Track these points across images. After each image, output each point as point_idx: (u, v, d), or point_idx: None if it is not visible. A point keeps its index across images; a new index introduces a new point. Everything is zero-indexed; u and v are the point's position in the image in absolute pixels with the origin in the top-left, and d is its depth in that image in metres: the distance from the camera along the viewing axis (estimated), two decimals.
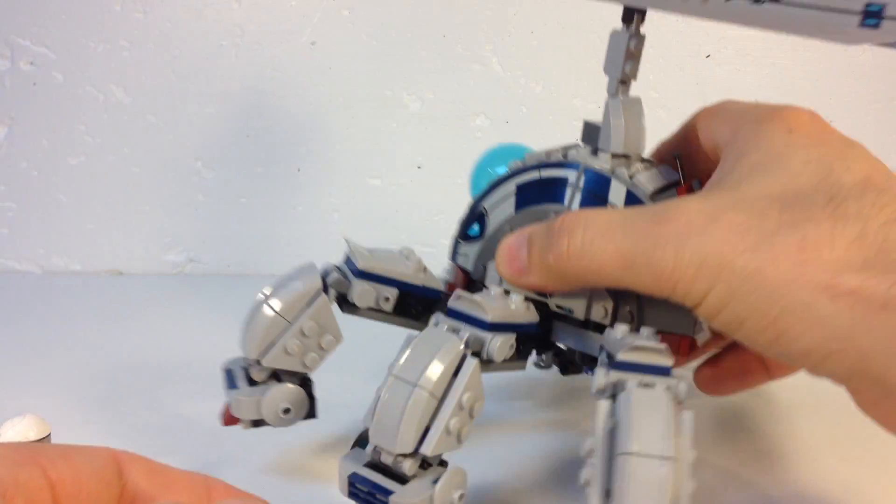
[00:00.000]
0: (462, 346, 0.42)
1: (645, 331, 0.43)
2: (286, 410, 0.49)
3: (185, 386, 0.67)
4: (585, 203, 0.48)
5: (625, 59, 0.50)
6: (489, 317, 0.44)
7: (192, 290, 0.93)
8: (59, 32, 0.93)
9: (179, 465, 0.36)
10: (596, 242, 0.37)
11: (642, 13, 0.49)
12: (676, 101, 0.95)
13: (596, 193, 0.48)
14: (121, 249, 0.99)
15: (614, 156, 0.50)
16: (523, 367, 0.49)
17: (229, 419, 0.51)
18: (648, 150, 0.56)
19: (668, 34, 0.92)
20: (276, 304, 0.48)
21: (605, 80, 0.93)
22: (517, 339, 0.46)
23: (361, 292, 0.50)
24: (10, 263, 0.99)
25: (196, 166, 0.97)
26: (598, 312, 0.46)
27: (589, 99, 0.94)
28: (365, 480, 0.41)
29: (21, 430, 0.41)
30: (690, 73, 0.94)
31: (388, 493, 0.40)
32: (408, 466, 0.40)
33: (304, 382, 0.50)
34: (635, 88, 0.96)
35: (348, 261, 0.52)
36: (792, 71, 0.94)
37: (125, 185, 0.97)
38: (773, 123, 0.41)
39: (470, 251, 0.53)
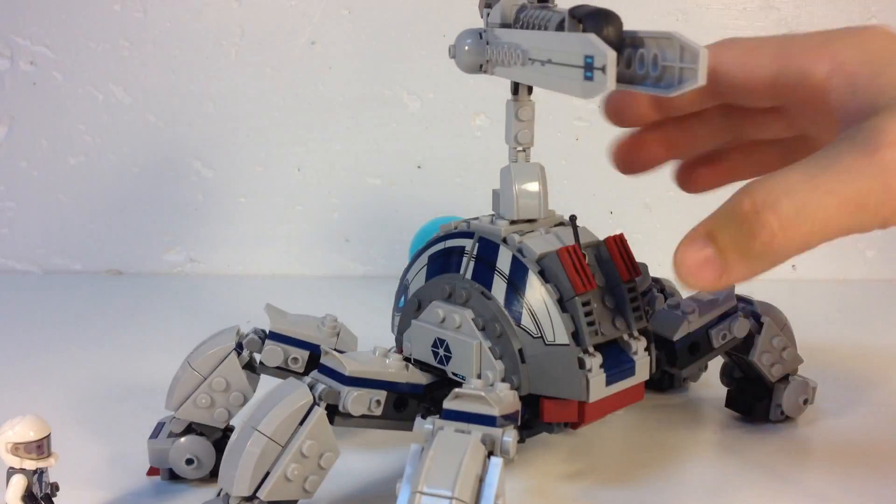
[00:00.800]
0: (311, 396, 0.44)
1: (499, 385, 0.45)
2: (189, 461, 0.51)
3: None
4: (478, 270, 0.50)
5: (514, 126, 0.50)
6: (346, 370, 0.46)
7: (192, 290, 0.93)
8: (59, 32, 0.93)
9: None
10: (811, 203, 0.33)
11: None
12: None
13: (486, 260, 0.50)
14: (121, 249, 0.99)
15: (513, 222, 0.50)
16: (409, 428, 0.50)
17: (150, 469, 0.53)
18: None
19: None
20: (193, 359, 0.52)
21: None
22: (399, 400, 0.49)
23: (269, 352, 0.53)
24: (10, 263, 0.99)
25: (196, 166, 0.97)
26: (486, 379, 0.48)
27: (589, 99, 0.94)
28: None
29: (21, 430, 0.41)
30: None
31: None
32: None
33: (222, 439, 0.52)
34: None
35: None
36: None
37: (125, 185, 0.97)
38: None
39: (397, 322, 0.55)
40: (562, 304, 0.47)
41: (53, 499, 0.43)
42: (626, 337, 0.49)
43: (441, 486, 0.36)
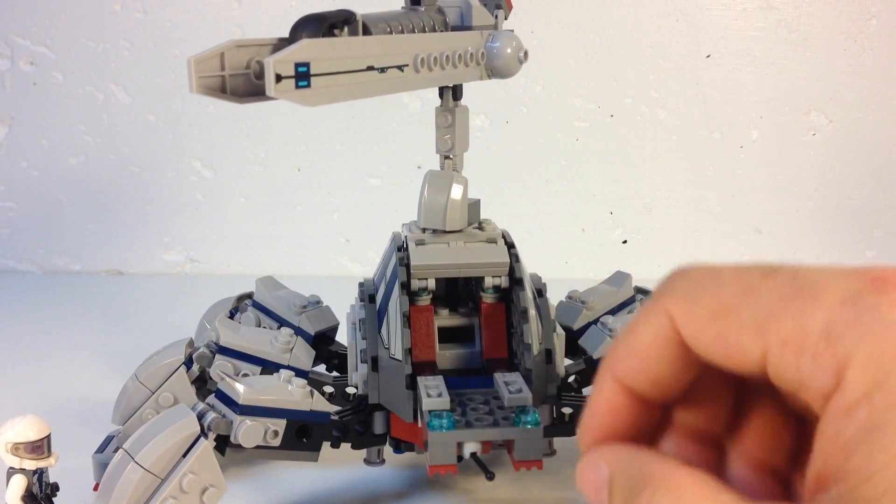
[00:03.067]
0: (198, 427, 0.42)
1: (295, 381, 0.46)
2: None
3: None
4: (382, 270, 0.50)
5: (438, 132, 0.50)
6: (240, 398, 0.44)
7: (192, 290, 0.93)
8: (60, 32, 0.93)
9: None
10: None
11: (451, 88, 0.49)
12: (676, 101, 0.95)
13: (386, 262, 0.50)
14: (121, 249, 0.99)
15: (423, 230, 0.50)
16: (313, 459, 0.48)
17: (97, 485, 0.51)
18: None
19: (667, 35, 0.93)
20: (141, 372, 0.52)
21: (604, 80, 0.93)
22: (301, 428, 0.46)
23: (219, 367, 0.52)
24: (10, 263, 0.99)
25: (196, 166, 0.97)
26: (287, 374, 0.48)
27: (588, 99, 0.94)
28: None
29: (21, 430, 0.41)
30: (690, 73, 0.94)
31: None
32: None
33: None
34: (636, 89, 0.97)
35: None
36: (792, 71, 0.94)
37: (125, 185, 0.97)
38: None
39: None
40: (406, 318, 0.46)
41: (53, 499, 0.43)
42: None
43: (134, 449, 0.40)
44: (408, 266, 0.47)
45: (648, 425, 0.27)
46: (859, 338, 0.22)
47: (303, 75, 0.35)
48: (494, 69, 0.48)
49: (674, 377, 0.26)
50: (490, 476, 0.42)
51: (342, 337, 0.56)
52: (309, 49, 0.36)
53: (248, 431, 0.44)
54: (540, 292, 0.50)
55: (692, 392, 0.28)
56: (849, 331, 0.22)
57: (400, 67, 0.41)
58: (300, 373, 0.50)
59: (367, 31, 0.42)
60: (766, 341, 0.23)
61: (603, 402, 0.27)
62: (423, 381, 0.44)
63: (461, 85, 0.50)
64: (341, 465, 0.53)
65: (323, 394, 0.54)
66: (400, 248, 0.49)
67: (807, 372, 0.22)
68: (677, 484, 0.24)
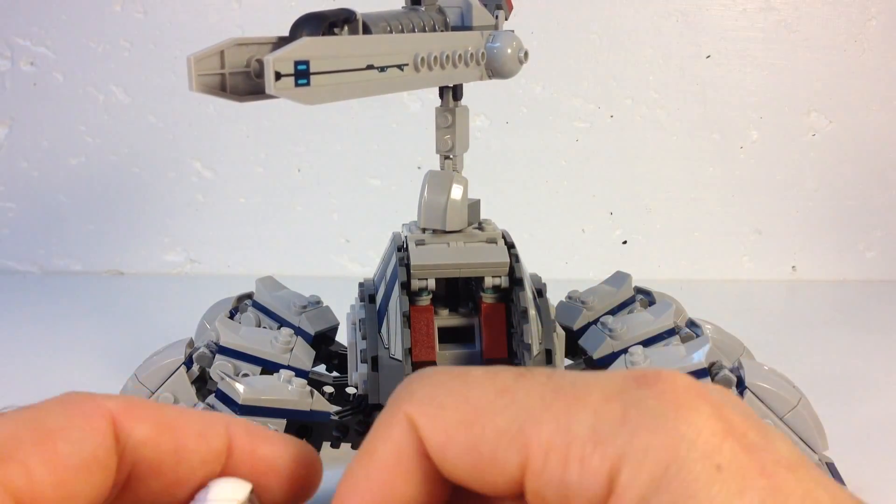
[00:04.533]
0: None
1: (295, 381, 0.46)
2: None
3: None
4: (383, 270, 0.50)
5: (438, 132, 0.50)
6: (240, 398, 0.44)
7: (192, 290, 0.93)
8: (60, 33, 0.93)
9: None
10: None
11: (451, 88, 0.49)
12: (676, 102, 0.95)
13: (387, 263, 0.50)
14: (121, 250, 0.99)
15: (423, 230, 0.50)
16: None
17: None
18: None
19: (668, 35, 0.93)
20: (141, 372, 0.51)
21: (604, 80, 0.94)
22: (301, 428, 0.46)
23: (219, 367, 0.52)
24: (11, 264, 0.99)
25: (196, 166, 0.97)
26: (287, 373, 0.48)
27: (589, 99, 0.94)
28: None
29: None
30: (690, 74, 0.94)
31: None
32: None
33: None
34: (636, 90, 0.97)
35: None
36: (792, 71, 0.94)
37: (125, 186, 0.97)
38: (686, 458, 0.19)
39: None
40: (406, 318, 0.46)
41: None
42: None
43: None
44: (408, 266, 0.47)
45: None
46: (629, 435, 0.19)
47: (302, 73, 0.35)
48: (494, 69, 0.48)
49: (422, 495, 0.21)
50: None
51: (342, 337, 0.56)
52: (309, 47, 0.36)
53: None
54: (540, 292, 0.50)
55: None
56: (617, 428, 0.19)
57: (400, 67, 0.41)
58: (300, 373, 0.50)
59: (367, 31, 0.42)
60: (525, 450, 0.20)
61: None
62: None
63: (461, 85, 0.50)
64: (341, 465, 0.53)
65: (323, 394, 0.54)
66: (400, 248, 0.49)
67: (574, 481, 0.19)
68: None
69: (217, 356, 0.52)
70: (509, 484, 0.20)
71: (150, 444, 0.21)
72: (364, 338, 0.48)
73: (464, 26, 0.48)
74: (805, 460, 0.20)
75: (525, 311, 0.46)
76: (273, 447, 0.23)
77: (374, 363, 0.46)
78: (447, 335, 0.49)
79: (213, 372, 0.51)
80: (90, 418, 0.21)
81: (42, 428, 0.20)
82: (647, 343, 0.53)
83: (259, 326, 0.55)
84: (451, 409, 0.21)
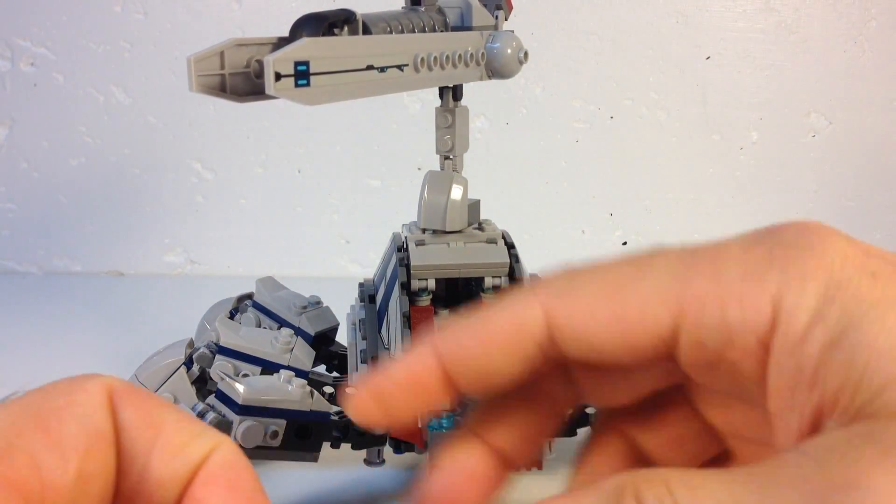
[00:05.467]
0: None
1: (295, 381, 0.46)
2: None
3: None
4: (383, 270, 0.50)
5: (438, 133, 0.50)
6: (240, 398, 0.44)
7: (192, 291, 0.93)
8: (60, 33, 0.93)
9: None
10: None
11: (451, 89, 0.49)
12: (676, 102, 0.95)
13: (387, 262, 0.50)
14: (121, 250, 0.99)
15: (423, 230, 0.50)
16: (313, 459, 0.47)
17: None
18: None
19: (668, 36, 0.93)
20: (141, 372, 0.51)
21: (605, 81, 0.93)
22: (302, 428, 0.46)
23: (219, 367, 0.52)
24: (11, 265, 0.99)
25: (196, 167, 0.97)
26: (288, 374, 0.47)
27: (589, 100, 0.94)
28: None
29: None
30: (690, 75, 0.94)
31: None
32: None
33: None
34: (636, 91, 0.97)
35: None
36: (792, 72, 0.94)
37: (125, 186, 0.97)
38: (842, 272, 0.19)
39: None
40: (406, 319, 0.46)
41: None
42: None
43: None
44: (408, 266, 0.47)
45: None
46: (781, 267, 0.19)
47: (302, 74, 0.36)
48: (494, 70, 0.48)
49: (511, 378, 0.21)
50: None
51: (342, 337, 0.56)
52: (309, 48, 0.36)
53: (248, 431, 0.44)
54: None
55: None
56: (768, 266, 0.19)
57: (400, 67, 0.41)
58: (300, 373, 0.50)
59: (367, 31, 0.42)
60: (678, 305, 0.20)
61: (408, 369, 0.21)
62: None
63: (461, 85, 0.50)
64: (341, 465, 0.53)
65: (323, 394, 0.54)
66: (400, 249, 0.49)
67: (735, 319, 0.19)
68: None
69: (217, 356, 0.52)
70: (657, 344, 0.20)
71: (130, 432, 0.19)
72: (364, 338, 0.48)
73: (464, 26, 0.48)
74: None
75: None
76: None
77: (375, 363, 0.46)
78: None
79: (214, 372, 0.52)
80: (92, 394, 0.19)
81: (43, 410, 0.19)
82: None
83: (259, 327, 0.55)
84: (589, 288, 0.21)
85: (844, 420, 0.18)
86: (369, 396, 0.21)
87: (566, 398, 0.24)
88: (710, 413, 0.24)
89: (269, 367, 0.52)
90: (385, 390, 0.21)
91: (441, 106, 0.50)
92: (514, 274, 0.47)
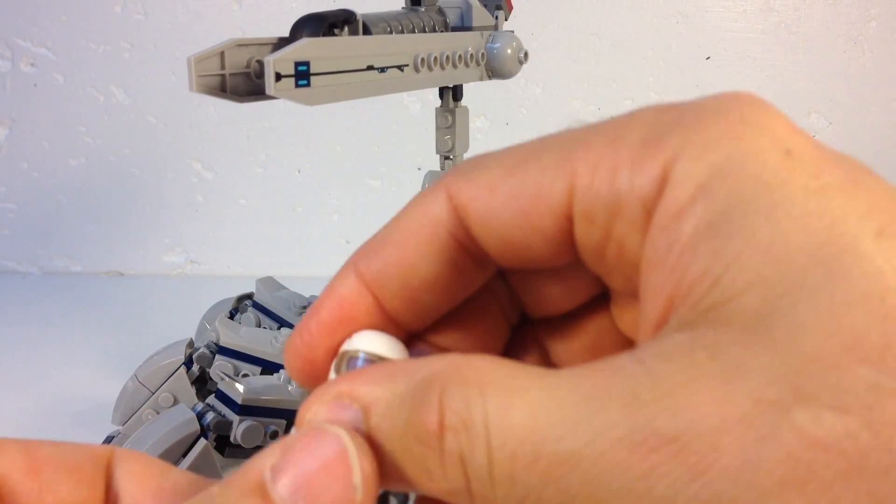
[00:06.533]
0: (198, 427, 0.43)
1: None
2: None
3: None
4: None
5: (438, 133, 0.50)
6: (240, 398, 0.44)
7: (192, 291, 0.93)
8: (60, 34, 0.93)
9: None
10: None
11: (452, 89, 0.49)
12: None
13: None
14: (121, 250, 0.99)
15: None
16: None
17: None
18: None
19: (668, 36, 0.93)
20: (141, 372, 0.51)
21: (605, 81, 0.93)
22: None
23: (219, 367, 0.52)
24: (11, 265, 0.99)
25: (196, 167, 0.97)
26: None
27: (589, 101, 0.94)
28: None
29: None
30: (690, 75, 0.94)
31: None
32: None
33: None
34: (636, 91, 0.96)
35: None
36: (792, 72, 0.94)
37: (125, 186, 0.97)
38: (752, 143, 0.16)
39: None
40: None
41: None
42: None
43: (137, 447, 0.40)
44: None
45: None
46: (686, 131, 0.16)
47: (303, 74, 0.36)
48: (494, 70, 0.48)
49: (438, 285, 0.19)
50: None
51: None
52: (309, 48, 0.36)
53: (248, 431, 0.44)
54: None
55: (456, 319, 0.20)
56: (673, 128, 0.16)
57: (400, 67, 0.41)
58: None
59: (367, 31, 0.42)
60: (572, 172, 0.17)
61: (335, 303, 0.19)
62: None
63: (461, 85, 0.50)
64: None
65: None
66: None
67: (624, 186, 0.16)
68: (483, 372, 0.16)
69: (217, 356, 0.52)
70: (558, 221, 0.17)
71: (10, 478, 0.19)
72: None
73: (464, 27, 0.48)
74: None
75: None
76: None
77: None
78: None
79: (214, 372, 0.52)
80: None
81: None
82: None
83: (259, 327, 0.55)
84: (492, 166, 0.19)
85: (691, 317, 0.15)
86: (303, 347, 0.19)
87: (511, 309, 0.21)
88: (621, 318, 0.20)
89: (269, 367, 0.52)
90: (316, 336, 0.19)
91: (441, 106, 0.50)
92: None
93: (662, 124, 0.17)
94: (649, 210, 0.16)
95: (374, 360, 0.18)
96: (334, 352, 0.18)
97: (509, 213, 0.18)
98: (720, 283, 0.15)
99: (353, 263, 0.19)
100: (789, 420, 0.14)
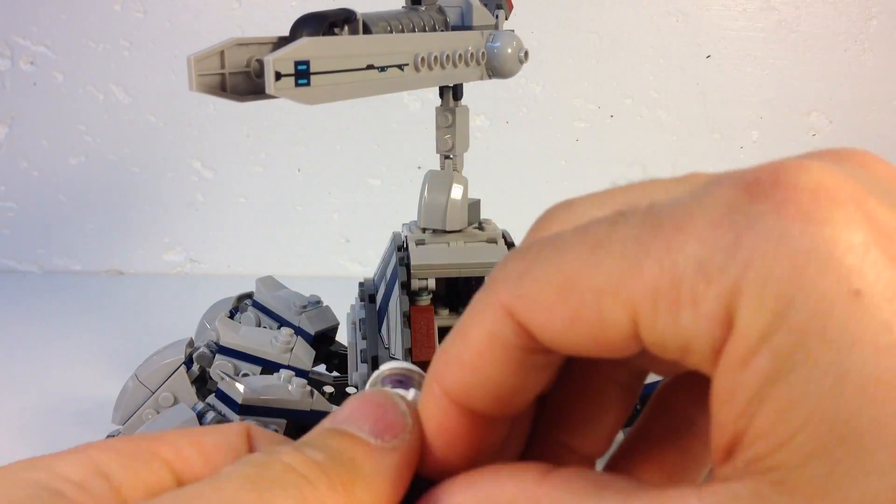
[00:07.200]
0: (197, 425, 0.43)
1: (296, 381, 0.47)
2: None
3: None
4: (384, 269, 0.50)
5: (438, 132, 0.50)
6: (240, 398, 0.45)
7: (192, 290, 0.93)
8: (60, 32, 0.93)
9: None
10: None
11: (452, 88, 0.49)
12: (677, 101, 0.95)
13: (387, 261, 0.50)
14: (121, 249, 0.99)
15: (423, 230, 0.50)
16: None
17: None
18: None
19: (668, 35, 0.92)
20: (142, 372, 0.52)
21: (605, 80, 0.93)
22: (302, 428, 0.46)
23: (219, 366, 0.52)
24: (11, 263, 0.99)
25: (196, 166, 0.97)
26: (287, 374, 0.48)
27: (589, 100, 0.94)
28: None
29: None
30: (691, 74, 0.94)
31: None
32: None
33: None
34: (636, 89, 0.96)
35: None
36: (792, 71, 0.94)
37: (125, 185, 0.97)
38: (815, 282, 0.15)
39: None
40: (406, 318, 0.46)
41: None
42: None
43: None
44: (408, 266, 0.47)
45: (491, 447, 0.20)
46: (745, 264, 0.15)
47: (302, 73, 0.36)
48: (495, 69, 0.48)
49: (520, 386, 0.19)
50: None
51: (342, 337, 0.55)
52: (309, 47, 0.36)
53: None
54: None
55: (561, 396, 0.21)
56: (730, 258, 0.15)
57: (400, 67, 0.41)
58: (300, 373, 0.50)
59: (367, 30, 0.42)
60: (631, 303, 0.16)
61: (432, 423, 0.20)
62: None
63: (461, 85, 0.50)
64: None
65: (323, 394, 0.54)
66: (400, 248, 0.49)
67: (689, 326, 0.16)
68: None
69: (217, 356, 0.52)
70: (628, 341, 0.17)
71: (192, 467, 0.21)
72: (364, 338, 0.48)
73: (464, 26, 0.48)
74: None
75: None
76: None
77: (375, 363, 0.47)
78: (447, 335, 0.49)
79: (214, 372, 0.52)
80: (229, 426, 0.22)
81: (189, 431, 0.21)
82: None
83: (259, 326, 0.55)
84: (545, 282, 0.18)
85: (755, 467, 0.16)
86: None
87: (626, 373, 0.22)
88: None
89: (269, 367, 0.52)
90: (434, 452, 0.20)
91: (441, 105, 0.50)
92: None
93: (718, 250, 0.16)
94: (718, 350, 0.16)
95: (400, 375, 0.22)
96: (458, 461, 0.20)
97: (575, 336, 0.18)
98: (784, 447, 0.15)
99: (436, 380, 0.19)
100: None
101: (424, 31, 0.45)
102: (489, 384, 0.19)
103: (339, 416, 0.20)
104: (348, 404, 0.20)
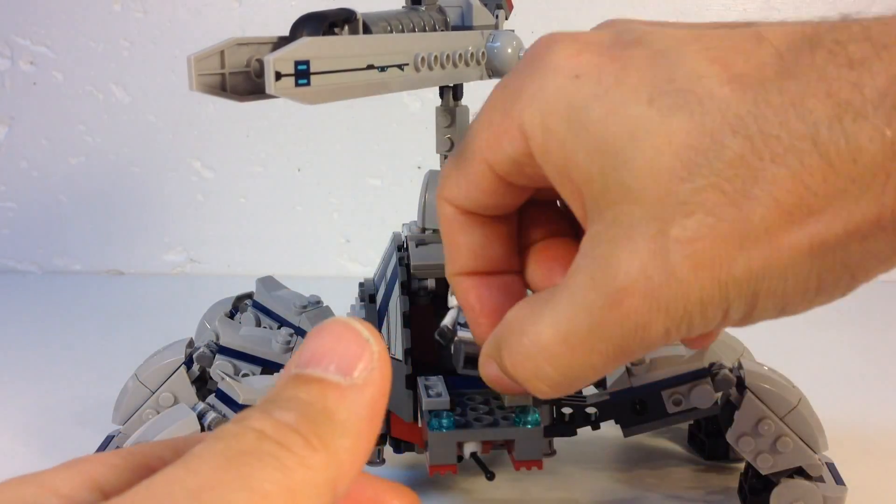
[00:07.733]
0: (198, 426, 0.43)
1: None
2: None
3: None
4: (384, 269, 0.50)
5: (438, 132, 0.50)
6: (240, 398, 0.45)
7: (192, 290, 0.93)
8: (59, 32, 0.93)
9: None
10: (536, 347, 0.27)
11: (452, 88, 0.49)
12: None
13: (387, 261, 0.50)
14: (121, 249, 0.99)
15: (423, 230, 0.50)
16: None
17: None
18: None
19: None
20: (142, 372, 0.52)
21: None
22: None
23: (219, 367, 0.52)
24: (11, 263, 0.99)
25: (196, 166, 0.97)
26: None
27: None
28: None
29: None
30: None
31: None
32: None
33: None
34: None
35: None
36: None
37: (125, 185, 0.97)
38: (554, 83, 0.25)
39: None
40: (406, 318, 0.46)
41: None
42: None
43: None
44: (408, 266, 0.47)
45: (493, 245, 0.30)
46: (520, 94, 0.26)
47: (303, 73, 0.35)
48: (495, 69, 0.48)
49: (500, 196, 0.28)
50: (490, 476, 0.42)
51: None
52: (309, 47, 0.36)
53: None
54: None
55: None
56: (517, 99, 0.26)
57: (400, 66, 0.41)
58: None
59: (367, 30, 0.42)
60: (484, 145, 0.27)
61: (455, 235, 0.29)
62: (423, 381, 0.44)
63: (461, 84, 0.50)
64: None
65: None
66: (400, 248, 0.49)
67: (511, 150, 0.26)
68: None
69: (217, 356, 0.52)
70: (521, 162, 0.26)
71: None
72: None
73: (464, 26, 0.48)
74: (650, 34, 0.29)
75: None
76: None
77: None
78: None
79: (214, 372, 0.52)
80: None
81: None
82: None
83: (259, 326, 0.55)
84: (490, 133, 0.27)
85: (592, 211, 0.25)
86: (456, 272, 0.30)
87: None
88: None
89: (269, 367, 0.52)
90: (457, 264, 0.30)
91: (441, 105, 0.50)
92: None
93: (510, 95, 0.26)
94: (529, 154, 0.26)
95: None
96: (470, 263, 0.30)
97: (503, 166, 0.27)
98: (592, 185, 0.24)
99: (447, 201, 0.29)
100: None
101: (424, 31, 0.45)
102: (480, 195, 0.28)
103: (303, 356, 0.20)
104: (310, 343, 0.20)
